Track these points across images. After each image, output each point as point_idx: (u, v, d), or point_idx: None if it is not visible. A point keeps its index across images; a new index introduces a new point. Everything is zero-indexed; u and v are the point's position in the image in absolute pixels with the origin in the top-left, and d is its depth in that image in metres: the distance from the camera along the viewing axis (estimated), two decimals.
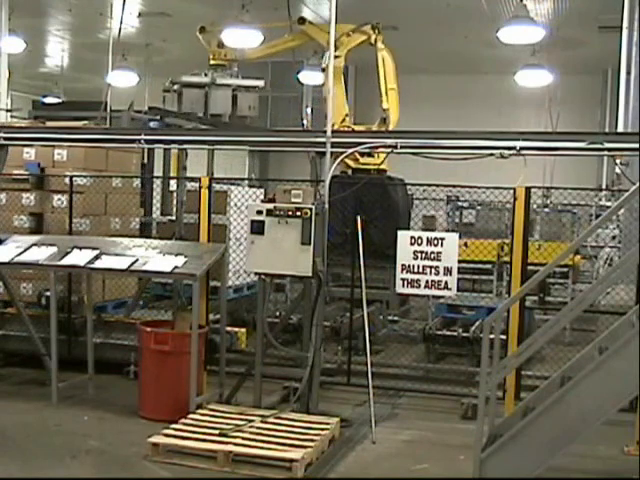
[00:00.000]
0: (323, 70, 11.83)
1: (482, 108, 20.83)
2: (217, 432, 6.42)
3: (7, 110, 12.29)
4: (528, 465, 5.46)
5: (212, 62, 11.78)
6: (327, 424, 6.80)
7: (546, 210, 14.29)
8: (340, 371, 8.70)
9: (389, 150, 7.92)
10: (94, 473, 6.10)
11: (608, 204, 14.23)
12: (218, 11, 15.62)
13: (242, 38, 14.32)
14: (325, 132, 7.68)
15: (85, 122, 10.22)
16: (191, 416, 6.86)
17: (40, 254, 7.93)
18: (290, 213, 7.14)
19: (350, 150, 7.85)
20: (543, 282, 11.19)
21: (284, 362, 8.75)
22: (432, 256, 7.46)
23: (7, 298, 8.93)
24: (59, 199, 9.29)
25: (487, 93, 21.32)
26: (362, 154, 10.37)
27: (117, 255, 7.81)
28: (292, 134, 8.72)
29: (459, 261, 7.63)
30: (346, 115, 11.84)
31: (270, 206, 7.24)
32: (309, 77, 18.51)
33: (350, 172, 11.28)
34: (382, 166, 10.46)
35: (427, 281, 7.49)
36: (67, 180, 9.05)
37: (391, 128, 11.57)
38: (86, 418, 7.37)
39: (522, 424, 5.53)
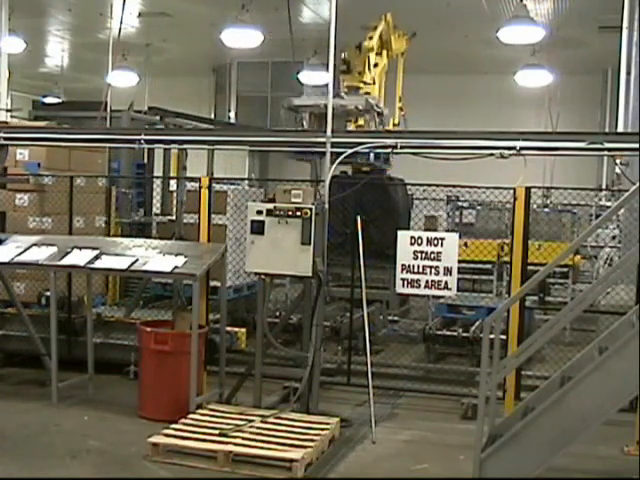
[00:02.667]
0: (377, 65, 11.70)
1: (482, 108, 20.80)
2: (217, 432, 6.42)
3: (7, 110, 12.27)
4: (528, 465, 5.46)
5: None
6: (327, 424, 6.80)
7: (546, 210, 14.26)
8: (340, 371, 8.71)
9: (389, 150, 7.92)
10: (94, 473, 6.10)
11: (608, 204, 14.22)
12: (218, 11, 15.63)
13: (242, 38, 14.37)
14: (325, 132, 7.68)
15: (47, 122, 10.25)
16: (191, 416, 6.86)
17: (40, 254, 7.93)
18: (290, 213, 7.14)
19: (350, 150, 7.84)
20: (543, 282, 11.17)
21: (284, 362, 8.76)
22: (432, 256, 7.46)
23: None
24: (21, 198, 9.37)
25: (487, 93, 21.30)
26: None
27: (117, 255, 7.81)
28: (292, 134, 8.71)
29: (459, 261, 7.64)
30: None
31: (270, 206, 7.24)
32: (309, 77, 18.52)
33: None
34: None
35: (427, 281, 7.49)
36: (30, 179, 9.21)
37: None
38: (86, 418, 7.37)
39: (522, 424, 5.53)
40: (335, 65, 7.76)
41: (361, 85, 10.95)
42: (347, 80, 11.06)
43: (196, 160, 11.11)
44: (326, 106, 7.70)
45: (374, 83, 11.47)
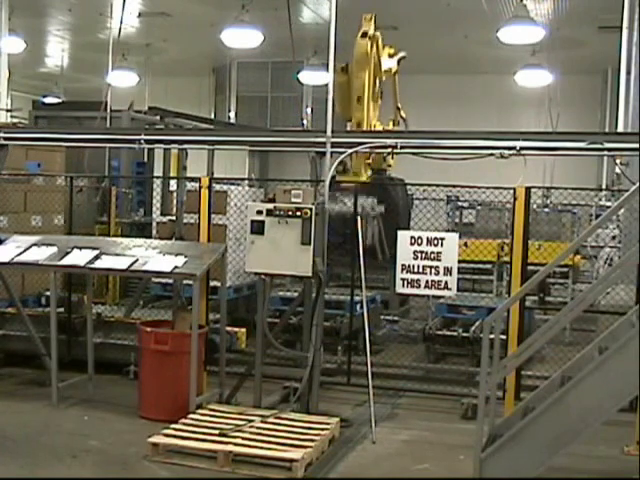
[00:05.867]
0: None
1: (482, 108, 20.80)
2: (217, 432, 6.42)
3: (7, 110, 12.29)
4: (528, 465, 5.46)
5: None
6: (327, 424, 6.80)
7: (546, 210, 14.26)
8: (340, 371, 8.71)
9: (389, 150, 7.92)
10: (94, 473, 6.10)
11: (608, 204, 14.21)
12: (218, 11, 15.63)
13: (242, 38, 14.39)
14: (325, 132, 7.68)
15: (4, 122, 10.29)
16: (191, 416, 6.86)
17: (40, 254, 7.92)
18: (290, 213, 7.14)
19: (350, 150, 7.84)
20: (543, 282, 11.17)
21: (284, 362, 8.76)
22: (432, 256, 7.46)
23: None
24: None
25: (487, 93, 21.30)
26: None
27: (117, 255, 7.80)
28: (292, 134, 8.72)
29: (459, 261, 7.63)
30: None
31: (270, 206, 7.24)
32: (309, 77, 18.56)
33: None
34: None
35: (427, 281, 7.49)
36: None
37: None
38: (86, 418, 7.38)
39: (522, 424, 5.53)
40: (334, 66, 7.74)
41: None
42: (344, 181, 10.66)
43: (196, 160, 11.09)
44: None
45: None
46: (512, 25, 12.99)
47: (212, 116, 22.61)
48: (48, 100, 20.55)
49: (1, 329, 9.09)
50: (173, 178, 11.70)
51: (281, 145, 8.61)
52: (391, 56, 11.76)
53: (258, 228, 7.24)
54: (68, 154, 10.98)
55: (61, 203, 10.13)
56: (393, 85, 12.09)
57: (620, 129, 11.95)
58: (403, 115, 12.34)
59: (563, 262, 9.81)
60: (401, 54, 11.99)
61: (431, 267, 7.46)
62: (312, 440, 6.37)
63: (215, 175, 13.84)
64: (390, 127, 12.02)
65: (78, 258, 7.80)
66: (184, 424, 6.65)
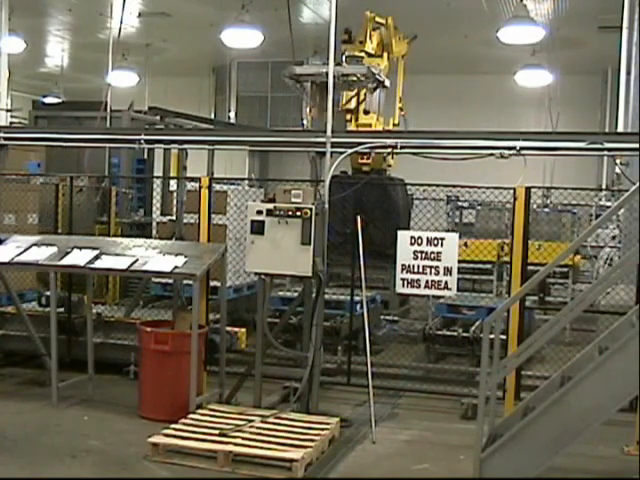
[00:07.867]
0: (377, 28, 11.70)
1: (482, 108, 20.81)
2: (217, 432, 6.42)
3: (7, 110, 12.27)
4: (528, 465, 5.46)
5: None
6: (327, 424, 6.80)
7: (546, 210, 14.26)
8: (340, 371, 8.71)
9: (389, 150, 7.92)
10: (94, 473, 6.10)
11: (608, 204, 14.22)
12: (218, 11, 15.63)
13: (242, 38, 14.41)
14: (325, 132, 7.68)
15: None
16: (191, 416, 6.86)
17: (40, 254, 7.92)
18: (290, 213, 7.14)
19: (350, 150, 7.84)
20: (543, 282, 11.18)
21: (284, 362, 8.76)
22: (432, 256, 7.46)
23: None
24: None
25: (487, 93, 21.30)
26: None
27: (117, 255, 7.80)
28: (292, 134, 8.70)
29: (459, 261, 7.64)
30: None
31: (270, 206, 7.24)
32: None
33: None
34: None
35: (427, 281, 7.49)
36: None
37: None
38: (86, 418, 7.38)
39: (522, 424, 5.54)
40: (335, 63, 7.77)
41: (362, 54, 10.99)
42: (349, 50, 11.07)
43: (196, 160, 11.09)
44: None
45: (375, 55, 11.50)
46: (512, 25, 13.01)
47: (212, 116, 22.60)
48: (48, 100, 20.55)
49: (1, 329, 9.09)
50: (173, 178, 11.70)
51: (281, 145, 8.61)
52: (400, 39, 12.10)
53: (258, 228, 7.24)
54: (66, 153, 10.96)
55: (36, 202, 10.13)
56: (400, 68, 12.28)
57: (620, 129, 11.95)
58: (402, 107, 12.41)
59: (563, 262, 9.82)
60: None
61: (431, 267, 7.47)
62: (312, 440, 6.37)
63: (215, 175, 13.83)
64: (390, 126, 12.08)
65: (78, 258, 7.80)
66: (184, 424, 6.65)
